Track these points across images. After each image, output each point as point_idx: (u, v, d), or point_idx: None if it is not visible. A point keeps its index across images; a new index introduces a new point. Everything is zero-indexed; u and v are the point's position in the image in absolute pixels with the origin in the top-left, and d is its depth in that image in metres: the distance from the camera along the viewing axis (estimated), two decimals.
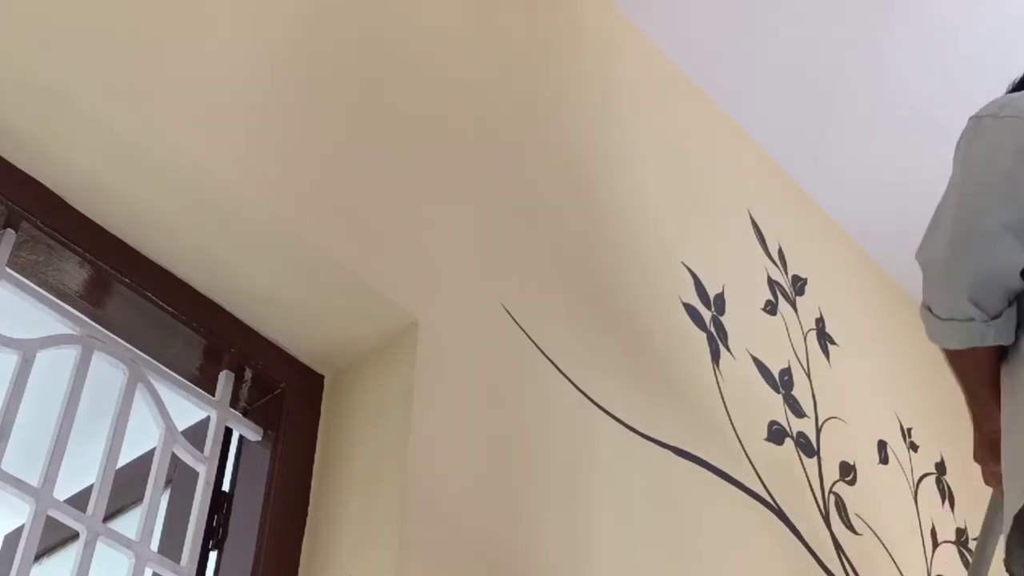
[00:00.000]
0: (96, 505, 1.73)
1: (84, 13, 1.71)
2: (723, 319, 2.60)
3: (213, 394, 1.92)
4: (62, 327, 1.81)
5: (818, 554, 2.48)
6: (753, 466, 2.43)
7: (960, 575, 2.85)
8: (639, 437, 2.20)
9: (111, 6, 1.75)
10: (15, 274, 1.75)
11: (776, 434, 2.56)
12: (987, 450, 1.78)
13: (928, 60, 2.97)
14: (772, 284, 2.84)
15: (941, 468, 3.05)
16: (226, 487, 1.91)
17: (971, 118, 1.64)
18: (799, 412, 2.67)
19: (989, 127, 1.61)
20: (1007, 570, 1.51)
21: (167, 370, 1.90)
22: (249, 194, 1.80)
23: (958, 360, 1.71)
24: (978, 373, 1.69)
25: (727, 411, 2.46)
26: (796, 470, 2.56)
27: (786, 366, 2.72)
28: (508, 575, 1.85)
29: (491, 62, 2.42)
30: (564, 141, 2.48)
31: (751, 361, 2.62)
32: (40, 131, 1.69)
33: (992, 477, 1.83)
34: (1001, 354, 1.68)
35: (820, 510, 2.56)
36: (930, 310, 1.67)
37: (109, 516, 1.83)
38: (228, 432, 1.95)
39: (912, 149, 3.11)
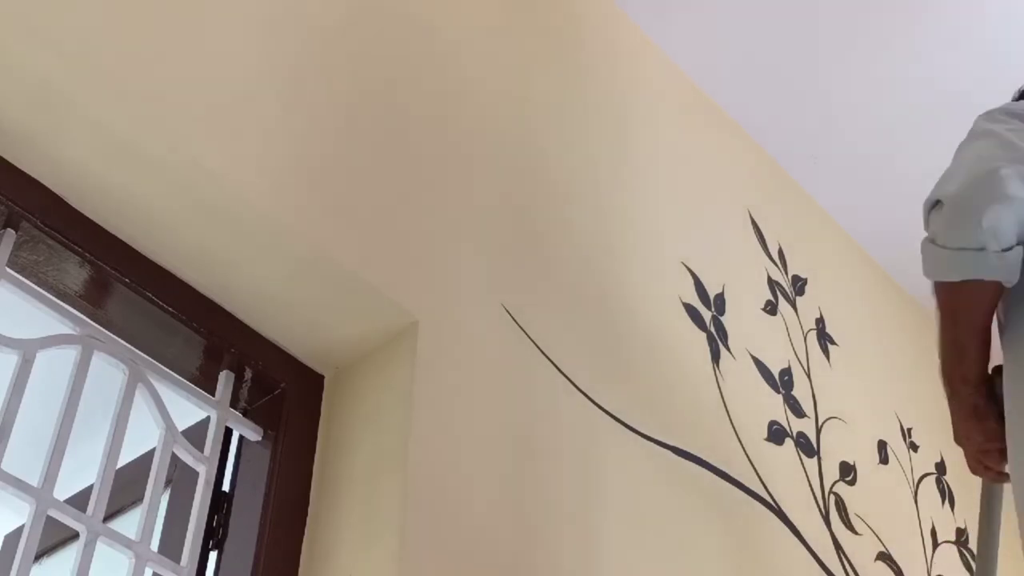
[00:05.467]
0: (96, 505, 1.73)
1: (85, 13, 1.71)
2: (723, 319, 2.60)
3: (213, 394, 1.92)
4: (62, 327, 1.81)
5: (818, 554, 2.48)
6: (753, 466, 2.43)
7: (960, 575, 2.86)
8: (639, 437, 2.20)
9: (112, 6, 1.75)
10: (15, 274, 1.75)
11: (776, 434, 2.56)
12: (971, 421, 1.72)
13: (929, 60, 2.97)
14: (772, 284, 2.84)
15: (941, 468, 3.05)
16: (226, 487, 1.91)
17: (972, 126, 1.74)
18: (799, 412, 2.67)
19: (984, 119, 1.72)
20: None
21: (167, 370, 1.90)
22: (250, 194, 1.80)
23: (954, 301, 1.66)
24: (971, 319, 1.66)
25: (727, 411, 2.46)
26: (796, 470, 2.56)
27: (786, 366, 2.72)
28: (507, 574, 1.85)
29: (492, 62, 2.42)
30: (564, 142, 2.48)
31: (751, 361, 2.62)
32: (40, 131, 1.69)
33: (986, 457, 1.76)
34: (1002, 328, 1.69)
35: (820, 510, 2.56)
36: (934, 243, 1.63)
37: (109, 516, 1.82)
38: (228, 432, 1.95)
39: (913, 149, 3.11)
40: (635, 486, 2.15)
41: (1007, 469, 1.68)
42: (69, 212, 1.76)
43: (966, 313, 1.66)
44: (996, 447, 1.71)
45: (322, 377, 2.01)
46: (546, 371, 2.09)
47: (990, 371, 1.71)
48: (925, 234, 1.66)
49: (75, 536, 1.75)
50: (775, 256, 2.91)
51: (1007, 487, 1.73)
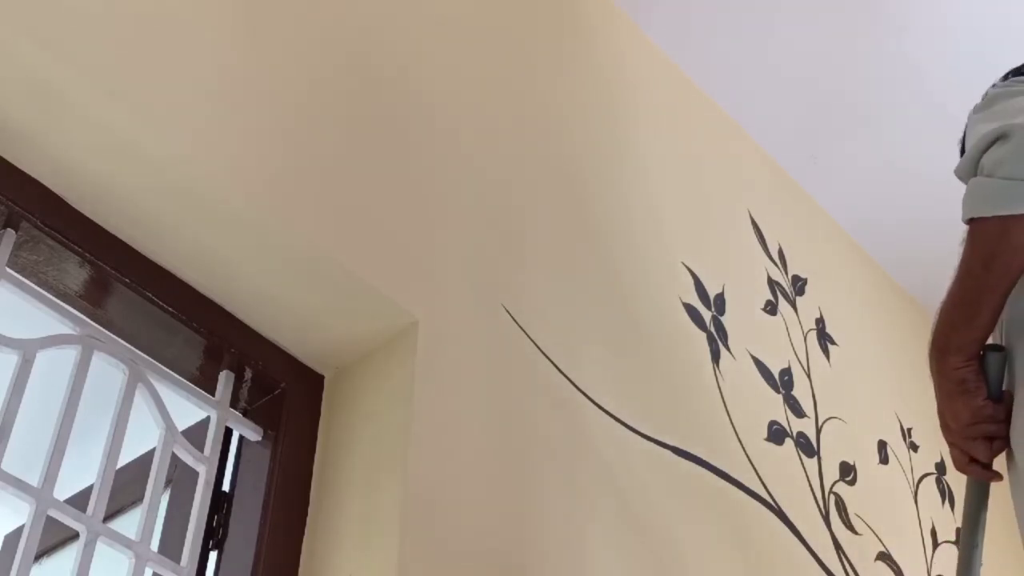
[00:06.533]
0: (96, 505, 1.73)
1: (84, 13, 1.71)
2: (723, 319, 2.60)
3: (213, 394, 1.92)
4: (62, 327, 1.81)
5: (818, 554, 2.48)
6: (753, 466, 2.43)
7: None
8: (639, 437, 2.20)
9: (112, 6, 1.75)
10: (15, 274, 1.75)
11: (776, 434, 2.56)
12: (957, 398, 1.63)
13: (928, 60, 2.97)
14: (772, 284, 2.84)
15: (941, 468, 3.05)
16: (226, 487, 1.91)
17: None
18: (799, 412, 2.67)
19: (1006, 84, 1.70)
20: None
21: (167, 370, 1.90)
22: (250, 194, 1.80)
23: (998, 240, 1.57)
24: (1008, 262, 1.57)
25: (727, 411, 2.46)
26: (796, 470, 2.56)
27: (786, 366, 2.72)
28: (508, 575, 1.85)
29: (492, 61, 2.42)
30: (564, 141, 2.48)
31: (751, 361, 2.62)
32: (40, 131, 1.69)
33: (973, 446, 1.66)
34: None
35: (820, 510, 2.56)
36: (991, 176, 1.55)
37: (109, 516, 1.83)
38: (228, 432, 1.95)
39: (912, 149, 3.11)
40: (635, 486, 2.14)
41: (1006, 468, 1.65)
42: (69, 212, 1.76)
43: (1007, 255, 1.57)
44: (982, 429, 1.65)
45: (322, 377, 2.01)
46: (546, 371, 2.09)
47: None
48: (963, 189, 1.60)
49: (75, 536, 1.75)
50: (775, 256, 2.91)
51: (994, 486, 1.70)
